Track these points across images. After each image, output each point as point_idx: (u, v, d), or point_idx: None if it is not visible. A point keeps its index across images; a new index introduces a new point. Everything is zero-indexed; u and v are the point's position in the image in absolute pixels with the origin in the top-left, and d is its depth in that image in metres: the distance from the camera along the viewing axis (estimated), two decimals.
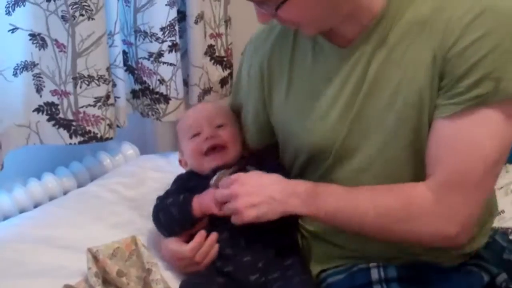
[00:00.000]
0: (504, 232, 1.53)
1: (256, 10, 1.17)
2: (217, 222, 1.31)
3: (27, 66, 1.58)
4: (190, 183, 1.41)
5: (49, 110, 1.64)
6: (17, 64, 1.57)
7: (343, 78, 1.23)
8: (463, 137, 1.11)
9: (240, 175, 1.27)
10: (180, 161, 1.51)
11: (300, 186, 1.24)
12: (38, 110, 1.63)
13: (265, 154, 1.46)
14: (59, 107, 1.65)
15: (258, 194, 1.22)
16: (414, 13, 1.16)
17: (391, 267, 1.26)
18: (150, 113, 1.92)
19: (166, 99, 1.89)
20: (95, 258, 1.25)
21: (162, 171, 1.83)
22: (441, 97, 1.13)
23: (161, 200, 1.40)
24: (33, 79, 1.60)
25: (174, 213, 1.33)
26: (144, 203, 1.62)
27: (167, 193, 1.42)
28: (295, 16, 1.15)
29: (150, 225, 1.53)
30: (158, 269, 1.26)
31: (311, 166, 1.33)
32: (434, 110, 1.15)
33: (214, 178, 1.34)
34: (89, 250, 1.26)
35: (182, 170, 1.87)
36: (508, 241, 1.39)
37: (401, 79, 1.16)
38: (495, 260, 1.30)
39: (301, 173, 1.35)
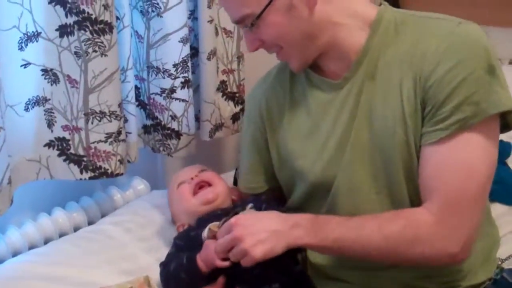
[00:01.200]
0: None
1: (244, 38, 1.32)
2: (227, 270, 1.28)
3: (39, 101, 1.58)
4: (190, 234, 1.41)
5: (60, 145, 1.63)
6: (29, 99, 1.57)
7: (337, 109, 1.30)
8: (453, 160, 1.18)
9: (238, 218, 1.26)
10: (178, 228, 1.53)
11: (301, 217, 1.25)
12: (49, 145, 1.63)
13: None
14: (70, 142, 1.64)
15: (261, 231, 1.22)
16: (397, 49, 1.24)
17: None
18: (161, 148, 1.91)
19: (178, 134, 1.88)
20: None
21: None
22: (426, 125, 1.21)
23: (164, 266, 1.38)
24: (45, 114, 1.60)
25: (183, 276, 1.31)
26: (157, 244, 1.60)
27: (169, 256, 1.40)
28: (272, 35, 1.27)
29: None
30: None
31: (319, 199, 1.35)
32: (421, 138, 1.21)
33: (205, 231, 1.32)
34: None
35: None
36: None
37: (389, 109, 1.24)
38: None
39: (310, 206, 1.37)
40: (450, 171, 1.18)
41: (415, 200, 1.25)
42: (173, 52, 1.81)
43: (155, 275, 1.41)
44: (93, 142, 1.65)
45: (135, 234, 1.63)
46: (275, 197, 1.48)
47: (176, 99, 1.85)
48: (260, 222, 1.24)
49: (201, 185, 1.51)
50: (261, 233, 1.21)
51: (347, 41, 1.28)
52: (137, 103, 1.85)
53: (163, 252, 1.49)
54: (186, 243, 1.39)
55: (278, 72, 1.46)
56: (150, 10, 1.76)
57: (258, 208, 1.34)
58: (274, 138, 1.43)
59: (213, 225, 1.31)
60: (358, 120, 1.27)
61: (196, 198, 1.48)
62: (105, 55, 1.60)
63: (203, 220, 1.40)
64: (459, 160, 1.18)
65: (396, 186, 1.27)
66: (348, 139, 1.28)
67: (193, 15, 1.90)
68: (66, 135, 1.63)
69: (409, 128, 1.22)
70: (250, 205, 1.33)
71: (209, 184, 1.49)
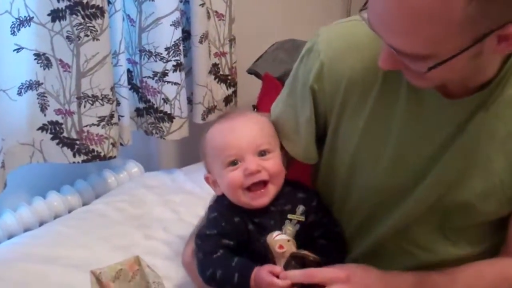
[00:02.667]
0: None
1: (383, 54, 0.99)
2: None
3: (31, 85, 1.60)
4: (234, 219, 1.19)
5: (53, 129, 1.65)
6: (22, 83, 1.58)
7: (436, 128, 1.12)
8: None
9: (349, 277, 1.09)
10: (206, 179, 1.25)
11: (402, 281, 1.14)
12: (42, 129, 1.65)
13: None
14: (63, 126, 1.66)
15: None
16: None
17: None
18: (154, 131, 1.93)
19: (170, 117, 1.90)
20: (99, 280, 1.25)
21: (166, 189, 1.84)
22: None
23: (207, 261, 1.18)
24: (38, 98, 1.62)
25: (234, 279, 1.14)
26: (149, 222, 1.63)
27: (210, 242, 1.19)
28: (441, 78, 1.01)
29: (154, 245, 1.54)
30: (163, 287, 1.24)
31: (372, 201, 1.23)
32: None
33: (272, 241, 1.15)
34: (93, 272, 1.25)
35: (185, 187, 1.89)
36: None
37: (491, 146, 1.11)
38: None
39: (357, 207, 1.25)
40: None
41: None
42: (165, 35, 1.81)
43: (145, 250, 1.44)
44: (86, 126, 1.67)
45: (127, 212, 1.67)
46: (323, 204, 1.27)
47: (168, 82, 1.86)
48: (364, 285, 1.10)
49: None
50: None
51: (483, 70, 1.06)
52: (129, 86, 1.86)
53: (154, 229, 1.53)
54: (233, 230, 1.19)
55: (370, 44, 1.08)
56: None
57: (307, 212, 1.19)
58: (339, 128, 1.20)
59: (282, 240, 1.15)
60: (452, 150, 1.12)
61: (246, 195, 1.18)
62: (97, 39, 1.62)
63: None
64: None
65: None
66: (431, 169, 1.13)
67: None
68: (59, 118, 1.65)
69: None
70: (302, 208, 1.19)
71: (268, 181, 1.19)
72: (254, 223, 1.18)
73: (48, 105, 1.63)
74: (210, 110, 2.04)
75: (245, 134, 1.18)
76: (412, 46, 0.93)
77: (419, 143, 1.13)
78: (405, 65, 0.98)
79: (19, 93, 1.58)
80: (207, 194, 1.37)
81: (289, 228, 1.17)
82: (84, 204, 1.78)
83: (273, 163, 1.18)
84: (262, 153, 1.17)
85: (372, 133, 1.16)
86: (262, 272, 1.10)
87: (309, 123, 1.20)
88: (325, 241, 1.22)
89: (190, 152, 2.12)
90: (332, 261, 1.20)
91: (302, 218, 1.19)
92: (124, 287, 1.25)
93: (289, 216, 1.18)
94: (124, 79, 1.77)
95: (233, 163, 1.17)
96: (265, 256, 1.16)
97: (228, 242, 1.17)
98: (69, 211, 1.74)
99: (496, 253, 1.21)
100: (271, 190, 1.18)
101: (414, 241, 1.21)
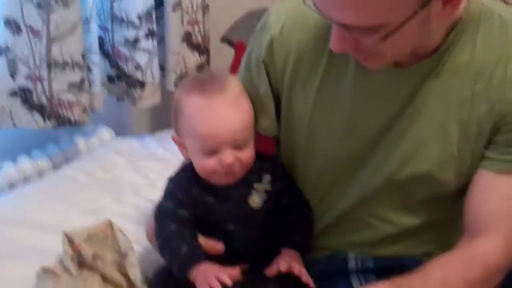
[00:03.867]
0: None
1: (334, 37, 1.01)
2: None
3: (1, 51, 1.61)
4: (192, 192, 1.22)
5: (23, 95, 1.67)
6: None
7: (386, 97, 1.15)
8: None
9: None
10: (174, 139, 1.25)
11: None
12: (12, 94, 1.66)
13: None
14: (33, 92, 1.67)
15: None
16: (473, 56, 1.11)
17: (369, 259, 1.27)
18: (126, 98, 1.94)
19: (142, 84, 1.92)
20: (71, 241, 1.28)
21: (137, 154, 1.87)
22: (493, 151, 1.13)
23: (160, 227, 1.22)
24: (8, 64, 1.62)
25: (174, 266, 1.18)
26: (120, 186, 1.66)
27: (166, 212, 1.22)
28: (395, 53, 1.04)
29: (124, 210, 1.57)
30: (133, 253, 1.28)
31: (332, 170, 1.25)
32: (481, 159, 1.14)
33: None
34: (65, 233, 1.28)
35: (156, 153, 1.91)
36: None
37: (445, 115, 1.13)
38: None
39: (319, 177, 1.27)
40: None
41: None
42: (137, 3, 1.83)
43: (116, 215, 1.45)
44: (56, 92, 1.69)
45: (97, 177, 1.70)
46: (289, 175, 1.29)
47: (140, 49, 1.87)
48: None
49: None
50: None
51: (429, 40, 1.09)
52: (101, 52, 1.87)
53: (124, 194, 1.57)
54: (189, 201, 1.21)
55: (318, 19, 1.09)
56: None
57: (274, 182, 1.23)
58: (292, 101, 1.23)
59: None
60: (404, 118, 1.14)
61: (217, 176, 1.19)
62: (67, 6, 1.62)
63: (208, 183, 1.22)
64: None
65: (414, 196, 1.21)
66: (385, 136, 1.17)
67: None
68: (29, 84, 1.66)
69: (469, 147, 1.14)
70: (267, 177, 1.23)
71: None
72: (215, 195, 1.21)
73: (18, 71, 1.64)
74: (182, 77, 2.06)
75: (226, 128, 1.15)
76: (363, 18, 0.95)
77: (370, 112, 1.16)
78: (356, 45, 1.01)
79: None
80: (178, 161, 1.38)
81: (256, 198, 1.21)
82: (54, 169, 1.80)
83: (247, 154, 1.19)
84: (239, 146, 1.17)
85: (324, 105, 1.18)
86: (209, 275, 1.12)
87: (267, 96, 1.23)
88: (297, 216, 1.25)
89: (162, 119, 2.15)
90: (308, 238, 1.26)
91: (268, 187, 1.23)
92: (95, 249, 1.28)
93: (255, 185, 1.22)
94: (95, 46, 1.79)
95: (210, 152, 1.17)
96: (224, 229, 1.21)
97: (184, 212, 1.20)
98: (40, 176, 1.76)
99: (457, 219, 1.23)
100: (241, 174, 1.20)
101: (377, 214, 1.24)
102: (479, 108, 1.11)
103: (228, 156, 1.15)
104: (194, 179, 1.21)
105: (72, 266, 1.26)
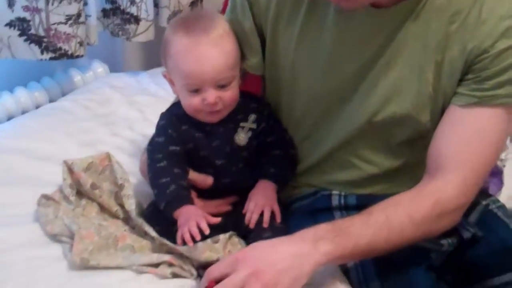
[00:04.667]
0: None
1: None
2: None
3: None
4: (182, 128, 1.27)
5: (21, 26, 1.67)
6: None
7: (366, 38, 1.17)
8: (477, 128, 1.15)
9: (243, 252, 1.08)
10: (164, 76, 1.29)
11: (317, 228, 1.09)
12: (10, 25, 1.66)
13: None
14: (31, 23, 1.67)
15: (280, 259, 1.03)
16: None
17: (351, 196, 1.31)
18: (120, 32, 1.95)
19: (137, 20, 1.93)
20: (70, 170, 1.31)
21: (131, 89, 1.89)
22: (463, 87, 1.15)
23: (151, 161, 1.26)
24: None
25: (161, 202, 1.22)
26: (115, 120, 1.68)
27: (158, 148, 1.26)
28: None
29: (119, 143, 1.60)
30: (130, 185, 1.30)
31: (315, 109, 1.29)
32: (452, 96, 1.16)
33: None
34: (65, 162, 1.31)
35: (149, 89, 1.94)
36: None
37: (423, 55, 1.16)
38: None
39: (303, 115, 1.30)
40: (480, 142, 1.15)
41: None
42: None
43: (111, 147, 1.49)
44: (54, 24, 1.69)
45: (93, 110, 1.73)
46: (274, 114, 1.33)
47: None
48: (274, 249, 1.05)
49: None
50: (281, 262, 1.02)
51: None
52: None
53: (119, 126, 1.61)
54: (179, 137, 1.26)
55: None
56: None
57: (259, 121, 1.28)
58: (275, 39, 1.26)
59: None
60: (384, 59, 1.17)
61: (202, 115, 1.24)
62: None
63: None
64: (489, 133, 1.15)
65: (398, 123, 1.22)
66: (365, 77, 1.19)
67: None
68: (27, 15, 1.66)
69: (441, 87, 1.16)
70: (253, 116, 1.28)
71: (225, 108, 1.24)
72: (203, 132, 1.26)
73: (16, 1, 1.64)
74: (176, 14, 2.06)
75: (209, 68, 1.19)
76: None
77: (351, 50, 1.19)
78: None
79: None
80: (171, 96, 1.43)
81: (242, 135, 1.27)
82: (50, 101, 1.82)
83: (230, 94, 1.23)
84: (222, 86, 1.21)
85: (307, 43, 1.22)
86: (191, 220, 1.15)
87: (252, 33, 1.26)
88: (279, 152, 1.31)
89: (155, 55, 2.14)
90: (286, 172, 1.31)
91: (253, 126, 1.28)
92: (94, 178, 1.32)
93: (241, 124, 1.27)
94: None
95: (194, 90, 1.21)
96: (212, 164, 1.27)
97: (175, 148, 1.25)
98: (36, 107, 1.78)
99: None
100: (225, 112, 1.25)
101: (359, 155, 1.28)
102: (452, 48, 1.14)
103: (211, 95, 1.20)
104: (184, 115, 1.26)
105: (71, 194, 1.30)
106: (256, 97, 1.34)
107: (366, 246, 1.08)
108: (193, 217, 1.16)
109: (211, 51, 1.20)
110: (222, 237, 1.16)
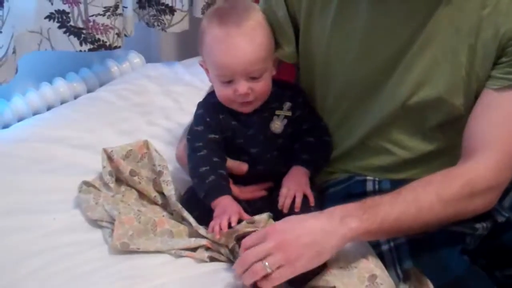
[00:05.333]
0: None
1: None
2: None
3: None
4: (219, 116, 1.29)
5: (60, 18, 1.70)
6: None
7: (399, 24, 1.18)
8: (511, 112, 1.16)
9: (274, 225, 1.13)
10: (201, 65, 1.32)
11: (345, 207, 1.12)
12: (50, 17, 1.70)
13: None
14: (70, 15, 1.71)
15: (305, 234, 1.07)
16: None
17: (386, 181, 1.33)
18: (155, 23, 1.98)
19: (172, 10, 1.95)
20: (110, 158, 1.35)
21: (167, 80, 1.92)
22: (496, 70, 1.16)
23: (192, 150, 1.29)
24: None
25: (200, 191, 1.25)
26: (151, 109, 1.72)
27: (196, 137, 1.29)
28: None
29: (156, 131, 1.63)
30: (168, 171, 1.34)
31: (348, 96, 1.30)
32: (486, 80, 1.17)
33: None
34: (104, 150, 1.35)
35: (184, 79, 1.96)
36: None
37: (456, 39, 1.17)
38: None
39: (336, 103, 1.32)
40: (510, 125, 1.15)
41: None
42: None
43: (148, 135, 1.50)
44: (92, 15, 1.73)
45: (130, 100, 1.76)
46: (309, 101, 1.35)
47: None
48: (301, 224, 1.09)
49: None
50: (305, 237, 1.06)
51: None
52: None
53: (156, 116, 1.64)
54: (216, 125, 1.29)
55: None
56: None
57: (293, 108, 1.30)
58: (309, 27, 1.28)
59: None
60: (417, 44, 1.18)
61: (235, 105, 1.27)
62: None
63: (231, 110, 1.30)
64: None
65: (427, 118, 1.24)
66: (399, 62, 1.20)
67: None
68: (66, 8, 1.69)
69: (475, 70, 1.17)
70: (288, 104, 1.30)
71: (256, 99, 1.27)
72: (239, 120, 1.29)
73: None
74: (210, 4, 2.08)
75: (239, 60, 1.21)
76: None
77: (385, 36, 1.20)
78: None
79: None
80: (206, 86, 1.46)
81: (277, 123, 1.30)
82: (88, 92, 1.86)
83: (262, 85, 1.25)
84: (253, 77, 1.23)
85: (340, 30, 1.24)
86: (225, 213, 1.18)
87: (286, 21, 1.28)
88: (313, 139, 1.33)
89: (190, 45, 2.18)
90: (319, 158, 1.33)
91: (289, 113, 1.30)
92: (132, 166, 1.35)
93: (277, 112, 1.30)
94: None
95: (226, 81, 1.24)
96: (247, 152, 1.30)
97: (214, 136, 1.29)
98: (75, 97, 1.82)
99: None
100: (257, 103, 1.28)
101: (393, 140, 1.30)
102: (485, 32, 1.14)
103: (242, 86, 1.23)
104: (220, 104, 1.29)
105: (110, 180, 1.34)
106: (290, 85, 1.37)
107: (393, 222, 1.10)
108: (228, 211, 1.18)
109: (242, 43, 1.22)
110: (257, 217, 1.18)
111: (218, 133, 1.29)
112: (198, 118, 1.32)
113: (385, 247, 1.22)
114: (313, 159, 1.32)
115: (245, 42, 1.22)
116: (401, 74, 1.22)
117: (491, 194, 1.18)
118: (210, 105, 1.31)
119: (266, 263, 1.04)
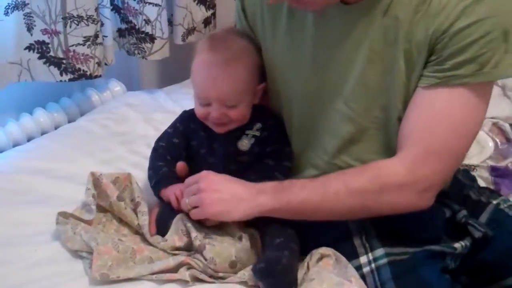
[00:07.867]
0: (465, 169, 1.63)
1: None
2: None
3: (18, 6, 1.64)
4: (190, 126, 1.39)
5: (40, 49, 1.71)
6: (8, 3, 1.63)
7: (343, 35, 1.21)
8: (443, 112, 1.16)
9: (209, 172, 1.27)
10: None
11: (266, 184, 1.24)
12: (29, 48, 1.70)
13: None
14: (50, 45, 1.71)
15: (225, 191, 1.23)
16: None
17: None
18: (136, 51, 1.99)
19: (152, 38, 1.96)
20: (96, 182, 1.35)
21: (148, 107, 1.92)
22: (426, 69, 1.17)
23: (154, 148, 1.42)
24: (24, 18, 1.66)
25: (150, 183, 1.38)
26: (132, 138, 1.71)
27: (165, 136, 1.42)
28: None
29: (137, 160, 1.63)
30: (145, 202, 1.36)
31: (310, 114, 1.32)
32: (419, 79, 1.19)
33: None
34: (92, 173, 1.36)
35: (166, 106, 1.96)
36: (469, 178, 1.50)
37: (394, 49, 1.18)
38: (457, 198, 1.36)
39: (299, 120, 1.35)
40: (438, 122, 1.16)
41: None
42: None
43: (129, 164, 1.54)
44: (72, 45, 1.73)
45: (111, 129, 1.76)
46: (281, 125, 1.39)
47: (149, 3, 1.92)
48: (227, 183, 1.24)
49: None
50: (224, 194, 1.23)
51: None
52: (111, 7, 1.91)
53: (136, 144, 1.65)
54: (184, 132, 1.39)
55: None
56: None
57: (263, 129, 1.35)
58: (268, 48, 1.34)
59: None
60: (360, 59, 1.20)
61: (208, 122, 1.35)
62: None
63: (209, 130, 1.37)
64: (449, 113, 1.16)
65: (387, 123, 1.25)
66: (351, 72, 1.22)
67: None
68: (46, 38, 1.70)
69: (413, 74, 1.18)
70: (258, 125, 1.36)
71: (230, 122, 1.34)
72: (207, 132, 1.36)
73: (35, 25, 1.68)
74: (190, 31, 2.10)
75: (214, 90, 1.29)
76: None
77: (331, 48, 1.23)
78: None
79: (6, 13, 1.63)
80: None
81: (245, 141, 1.35)
82: (69, 121, 1.86)
83: (237, 113, 1.31)
84: (229, 106, 1.30)
85: (292, 47, 1.28)
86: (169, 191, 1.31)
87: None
88: (272, 162, 1.35)
89: (171, 72, 2.20)
90: (257, 177, 1.32)
91: (257, 133, 1.35)
92: (120, 192, 1.37)
93: (247, 131, 1.35)
94: (106, 0, 1.82)
95: (203, 103, 1.32)
96: (205, 161, 1.36)
97: (176, 140, 1.39)
98: (56, 127, 1.82)
99: None
100: (231, 126, 1.34)
101: (361, 159, 1.28)
102: (417, 34, 1.16)
103: (215, 112, 1.31)
104: (195, 116, 1.36)
105: (92, 203, 1.33)
106: (264, 108, 1.40)
107: (299, 204, 1.21)
108: (173, 189, 1.31)
109: (220, 74, 1.28)
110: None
111: (182, 139, 1.39)
112: (173, 122, 1.43)
113: (366, 269, 1.23)
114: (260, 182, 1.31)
115: (224, 74, 1.28)
116: (352, 88, 1.23)
117: (407, 191, 1.19)
118: (187, 114, 1.42)
119: (187, 201, 1.25)
